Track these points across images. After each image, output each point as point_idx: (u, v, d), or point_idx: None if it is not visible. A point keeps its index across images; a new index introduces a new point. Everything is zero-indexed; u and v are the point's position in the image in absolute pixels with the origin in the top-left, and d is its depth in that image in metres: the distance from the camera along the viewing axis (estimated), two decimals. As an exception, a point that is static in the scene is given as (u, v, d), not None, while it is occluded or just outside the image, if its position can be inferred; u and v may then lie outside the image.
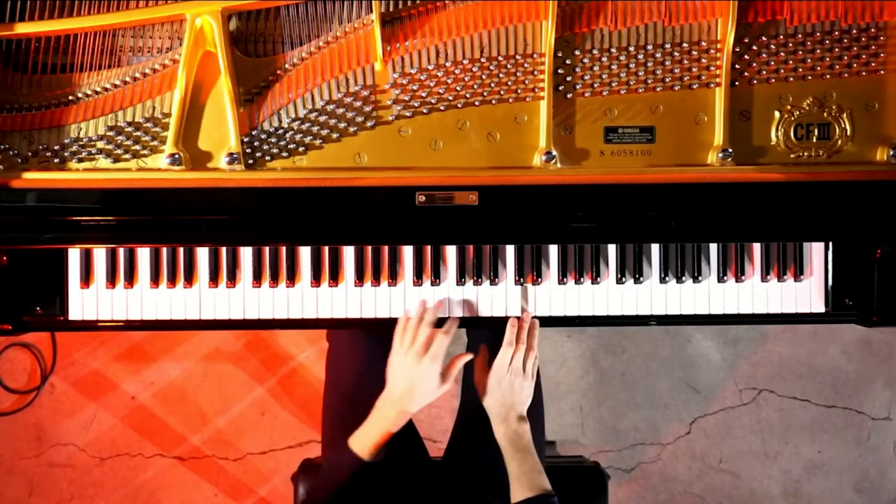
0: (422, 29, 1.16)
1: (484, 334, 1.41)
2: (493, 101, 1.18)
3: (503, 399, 1.21)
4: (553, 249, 1.27)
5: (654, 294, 1.27)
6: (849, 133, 1.20)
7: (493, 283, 1.26)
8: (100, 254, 1.24)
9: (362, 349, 1.41)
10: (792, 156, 1.20)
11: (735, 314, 1.28)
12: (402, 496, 1.28)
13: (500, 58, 1.18)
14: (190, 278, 1.24)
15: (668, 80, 1.18)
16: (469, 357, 1.24)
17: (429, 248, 1.25)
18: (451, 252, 1.26)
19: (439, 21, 1.17)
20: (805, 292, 1.28)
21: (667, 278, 1.27)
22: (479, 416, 1.36)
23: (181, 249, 1.24)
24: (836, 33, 1.19)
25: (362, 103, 1.17)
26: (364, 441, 1.17)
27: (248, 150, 1.17)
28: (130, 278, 1.24)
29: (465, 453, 1.35)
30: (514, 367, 1.21)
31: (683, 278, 1.27)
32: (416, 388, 1.17)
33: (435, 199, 1.17)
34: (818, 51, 1.19)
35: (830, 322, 1.29)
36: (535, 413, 1.38)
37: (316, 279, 1.25)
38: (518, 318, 1.25)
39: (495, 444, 1.32)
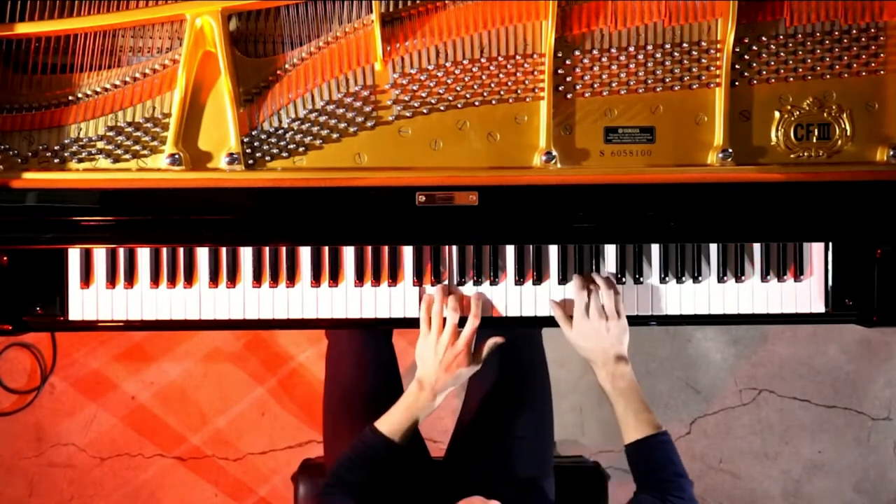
0: (422, 29, 1.16)
1: (486, 334, 1.41)
2: (493, 102, 1.18)
3: (594, 345, 1.20)
4: (553, 250, 1.27)
5: (655, 294, 1.27)
6: (849, 133, 1.20)
7: (493, 283, 1.26)
8: (100, 254, 1.24)
9: (362, 346, 1.41)
10: (792, 156, 1.20)
11: (735, 314, 1.28)
12: (404, 496, 1.28)
13: (500, 58, 1.18)
14: (190, 278, 1.24)
15: (668, 80, 1.18)
16: (501, 340, 1.25)
17: (429, 248, 1.25)
18: (451, 252, 1.26)
19: (439, 21, 1.16)
20: (805, 292, 1.28)
21: (667, 278, 1.27)
22: (483, 413, 1.36)
23: (181, 249, 1.24)
24: (836, 33, 1.19)
25: (362, 103, 1.17)
26: (393, 424, 1.19)
27: (248, 150, 1.17)
28: (130, 278, 1.24)
29: (468, 451, 1.34)
30: (595, 309, 1.20)
31: (683, 278, 1.27)
32: (451, 372, 1.19)
33: (435, 200, 1.17)
34: (818, 51, 1.19)
35: (830, 322, 1.29)
36: (543, 413, 1.38)
37: (316, 279, 1.25)
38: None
39: (499, 439, 1.32)
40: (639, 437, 1.15)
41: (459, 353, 1.19)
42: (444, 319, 1.21)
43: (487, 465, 1.30)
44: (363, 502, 1.15)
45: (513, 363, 1.37)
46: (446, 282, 1.26)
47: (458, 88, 1.17)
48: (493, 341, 1.24)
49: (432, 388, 1.19)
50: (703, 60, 1.18)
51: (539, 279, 1.26)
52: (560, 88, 1.18)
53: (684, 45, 1.18)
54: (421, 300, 1.24)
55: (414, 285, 1.26)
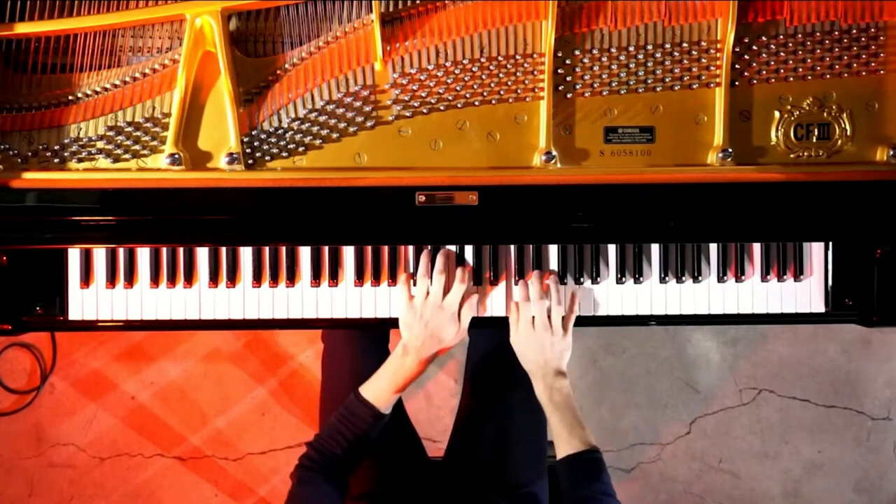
0: (422, 29, 1.16)
1: (486, 334, 1.41)
2: (493, 101, 1.18)
3: (535, 356, 1.20)
4: (553, 249, 1.27)
5: (654, 294, 1.27)
6: (849, 133, 1.20)
7: (492, 283, 1.26)
8: (100, 254, 1.24)
9: (357, 349, 1.41)
10: (792, 156, 1.20)
11: (735, 314, 1.28)
12: (402, 496, 1.28)
13: (500, 58, 1.18)
14: (190, 278, 1.24)
15: (668, 80, 1.18)
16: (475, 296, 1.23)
17: (429, 248, 1.25)
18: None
19: (439, 21, 1.17)
20: (805, 292, 1.28)
21: (667, 278, 1.27)
22: (480, 416, 1.36)
23: (181, 249, 1.24)
24: (836, 33, 1.19)
25: (362, 103, 1.17)
26: (378, 390, 1.18)
27: (248, 150, 1.17)
28: (130, 278, 1.24)
29: (465, 455, 1.34)
30: (541, 322, 1.20)
31: (683, 278, 1.27)
32: (437, 336, 1.19)
33: (435, 199, 1.17)
34: (818, 51, 1.19)
35: (830, 322, 1.29)
36: (538, 415, 1.37)
37: (316, 279, 1.25)
38: (552, 271, 1.25)
39: (496, 441, 1.32)
40: (570, 451, 1.14)
41: (445, 316, 1.18)
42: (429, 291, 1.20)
43: (484, 470, 1.30)
44: (342, 477, 1.14)
45: (510, 366, 1.37)
46: (429, 249, 1.24)
47: (458, 88, 1.17)
48: (470, 299, 1.21)
49: (417, 352, 1.18)
50: (703, 60, 1.18)
51: (539, 279, 1.26)
52: (560, 88, 1.18)
53: (684, 44, 1.18)
54: (422, 257, 1.22)
55: (414, 285, 1.26)
